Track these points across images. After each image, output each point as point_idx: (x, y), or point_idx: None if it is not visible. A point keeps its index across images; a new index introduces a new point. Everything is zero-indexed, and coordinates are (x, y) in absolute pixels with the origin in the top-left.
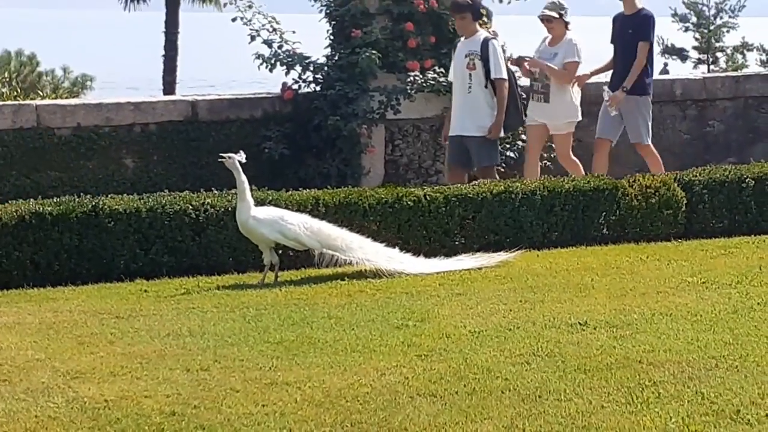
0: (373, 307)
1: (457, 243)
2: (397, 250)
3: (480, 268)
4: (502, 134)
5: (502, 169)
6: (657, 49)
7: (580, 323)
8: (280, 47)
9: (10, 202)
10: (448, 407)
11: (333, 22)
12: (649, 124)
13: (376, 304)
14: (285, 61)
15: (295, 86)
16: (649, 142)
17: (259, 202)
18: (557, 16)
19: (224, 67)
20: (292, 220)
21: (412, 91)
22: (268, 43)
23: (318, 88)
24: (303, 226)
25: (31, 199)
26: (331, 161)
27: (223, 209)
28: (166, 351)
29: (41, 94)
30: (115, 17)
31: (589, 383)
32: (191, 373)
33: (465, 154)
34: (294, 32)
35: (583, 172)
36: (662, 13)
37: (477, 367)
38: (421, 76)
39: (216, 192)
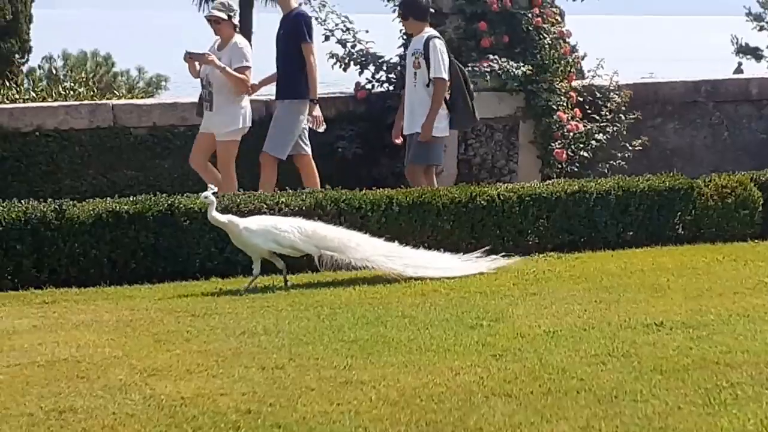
0: (447, 306)
1: (530, 243)
2: (396, 244)
3: (481, 274)
4: (444, 134)
5: (576, 169)
6: (731, 48)
7: (656, 324)
8: (353, 47)
9: (87, 200)
10: (523, 407)
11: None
12: (290, 135)
13: (450, 303)
14: (359, 60)
15: (369, 86)
16: (276, 155)
17: (332, 202)
18: (226, 17)
19: None
20: (286, 227)
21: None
22: (342, 42)
23: (391, 88)
24: (297, 232)
25: (108, 198)
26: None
27: (297, 208)
28: (241, 349)
29: (117, 94)
30: (189, 18)
31: (666, 384)
32: (266, 371)
33: None
34: (367, 32)
35: (235, 190)
36: (737, 12)
37: (552, 367)
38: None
39: (290, 191)
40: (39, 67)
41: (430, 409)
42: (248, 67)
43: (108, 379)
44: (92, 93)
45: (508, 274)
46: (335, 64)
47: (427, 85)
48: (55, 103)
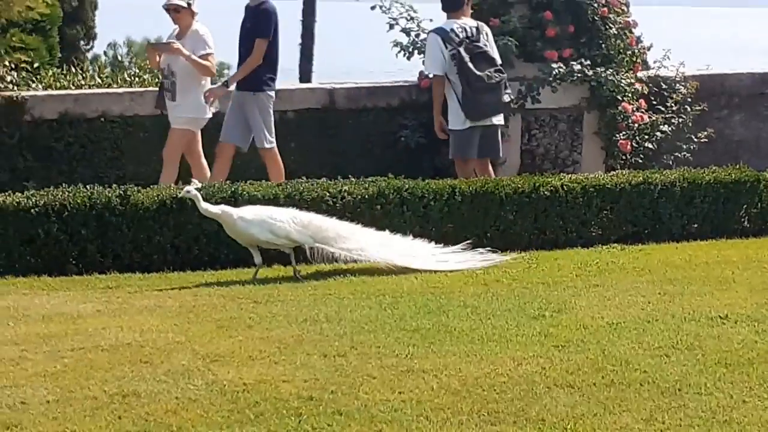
0: (509, 296)
1: (594, 234)
2: (387, 232)
3: (471, 270)
4: (460, 126)
5: (641, 160)
6: None
7: (720, 317)
8: (417, 36)
9: (151, 186)
10: (586, 398)
11: (471, 12)
12: (268, 124)
13: (513, 293)
14: (423, 49)
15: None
16: (271, 146)
17: (395, 191)
18: (185, 5)
19: (358, 56)
20: (281, 217)
21: (555, 83)
22: (406, 31)
23: None
24: (292, 222)
25: (172, 184)
26: None
27: (359, 197)
28: (303, 336)
29: None
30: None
31: (730, 377)
32: (328, 358)
33: None
34: (431, 21)
35: (173, 181)
36: None
37: (615, 359)
38: (564, 67)
39: (353, 179)
40: (104, 53)
41: (491, 398)
42: (212, 53)
43: (171, 364)
44: (156, 80)
45: (571, 265)
46: (399, 52)
47: None
48: (120, 90)
